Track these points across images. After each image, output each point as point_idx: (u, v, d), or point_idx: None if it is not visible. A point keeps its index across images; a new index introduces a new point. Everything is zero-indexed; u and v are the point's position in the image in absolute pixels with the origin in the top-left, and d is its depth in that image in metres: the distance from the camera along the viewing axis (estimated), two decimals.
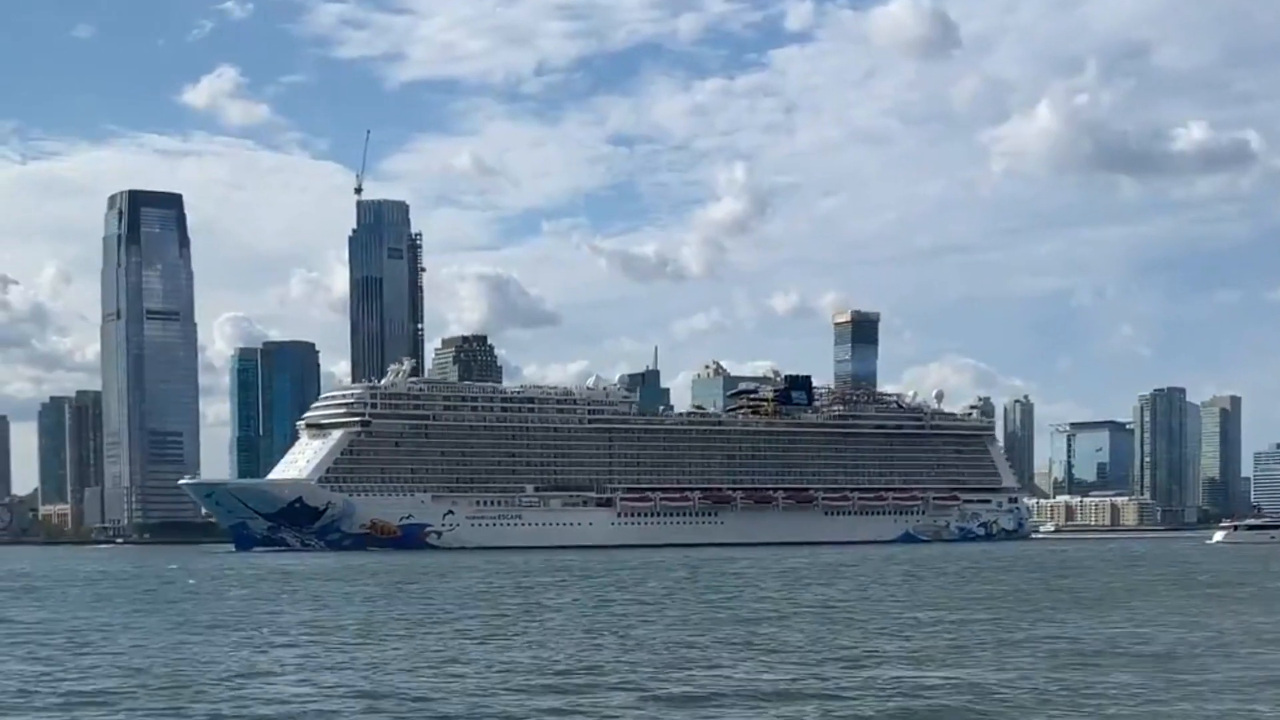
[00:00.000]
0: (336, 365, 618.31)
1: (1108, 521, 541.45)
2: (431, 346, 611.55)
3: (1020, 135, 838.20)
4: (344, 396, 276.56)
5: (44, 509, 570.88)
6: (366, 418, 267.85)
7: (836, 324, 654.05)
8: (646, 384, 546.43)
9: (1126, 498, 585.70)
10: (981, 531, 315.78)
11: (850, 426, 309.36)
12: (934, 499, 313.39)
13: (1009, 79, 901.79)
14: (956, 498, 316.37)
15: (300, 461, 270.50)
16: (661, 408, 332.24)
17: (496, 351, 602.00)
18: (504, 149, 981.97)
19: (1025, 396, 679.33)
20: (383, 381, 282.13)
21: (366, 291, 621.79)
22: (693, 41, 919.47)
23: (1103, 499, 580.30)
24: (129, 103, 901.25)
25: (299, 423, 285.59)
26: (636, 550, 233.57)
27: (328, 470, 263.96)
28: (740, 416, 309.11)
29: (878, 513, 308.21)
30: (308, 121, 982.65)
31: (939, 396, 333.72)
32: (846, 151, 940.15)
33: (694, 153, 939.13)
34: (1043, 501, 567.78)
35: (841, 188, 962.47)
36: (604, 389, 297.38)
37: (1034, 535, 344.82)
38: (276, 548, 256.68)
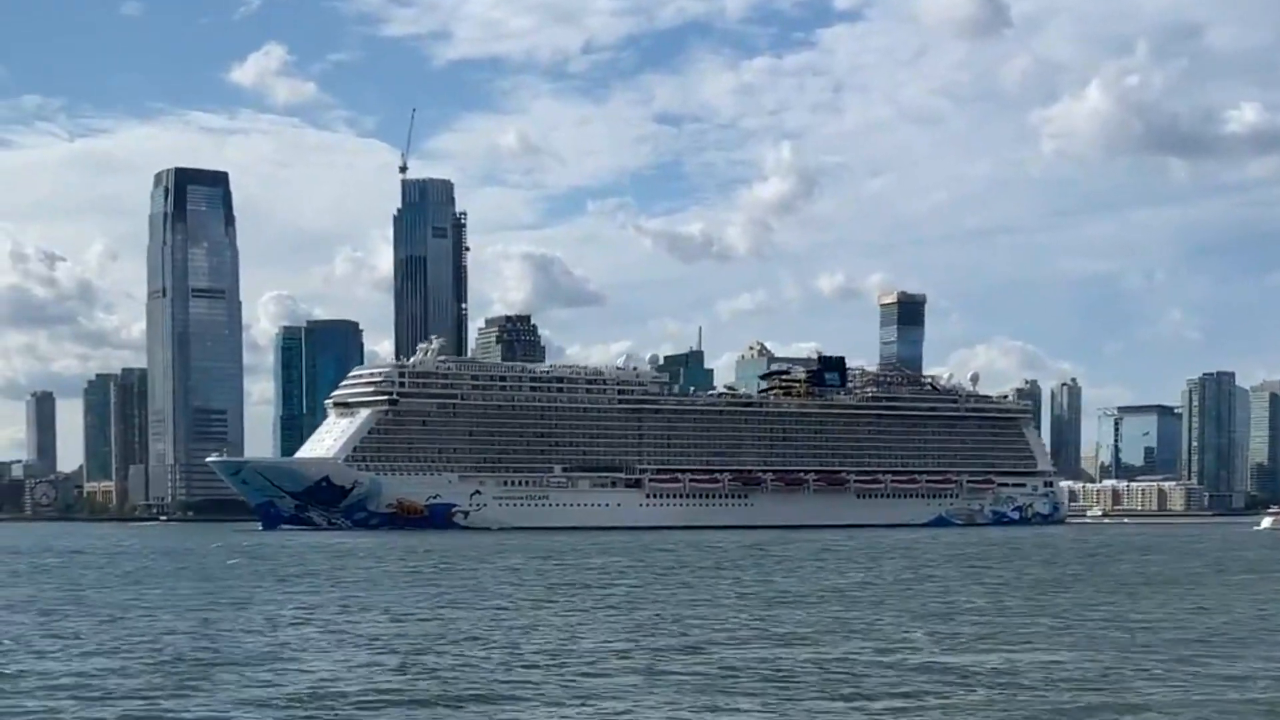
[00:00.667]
0: (380, 344, 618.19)
1: (1154, 507, 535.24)
2: (475, 326, 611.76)
3: (1070, 116, 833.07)
4: (372, 375, 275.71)
5: (89, 486, 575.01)
6: (394, 396, 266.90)
7: (883, 305, 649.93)
8: (690, 365, 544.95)
9: (1174, 483, 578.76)
10: (1016, 516, 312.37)
11: (884, 408, 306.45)
12: (968, 482, 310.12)
13: (1059, 59, 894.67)
14: (991, 481, 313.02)
15: (328, 440, 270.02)
16: (693, 389, 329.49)
17: (540, 332, 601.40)
18: (550, 127, 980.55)
19: (1073, 380, 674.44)
20: (411, 360, 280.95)
21: (410, 270, 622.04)
22: (741, 20, 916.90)
23: (1150, 484, 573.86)
24: (176, 81, 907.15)
25: (327, 401, 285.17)
26: (669, 532, 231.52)
27: (354, 449, 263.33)
28: (772, 397, 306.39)
29: (910, 496, 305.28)
30: (354, 99, 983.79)
31: (974, 379, 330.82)
32: (895, 131, 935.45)
33: (741, 132, 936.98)
34: (1089, 486, 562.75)
35: (890, 168, 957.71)
36: (634, 369, 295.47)
37: (1069, 520, 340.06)
38: (303, 527, 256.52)
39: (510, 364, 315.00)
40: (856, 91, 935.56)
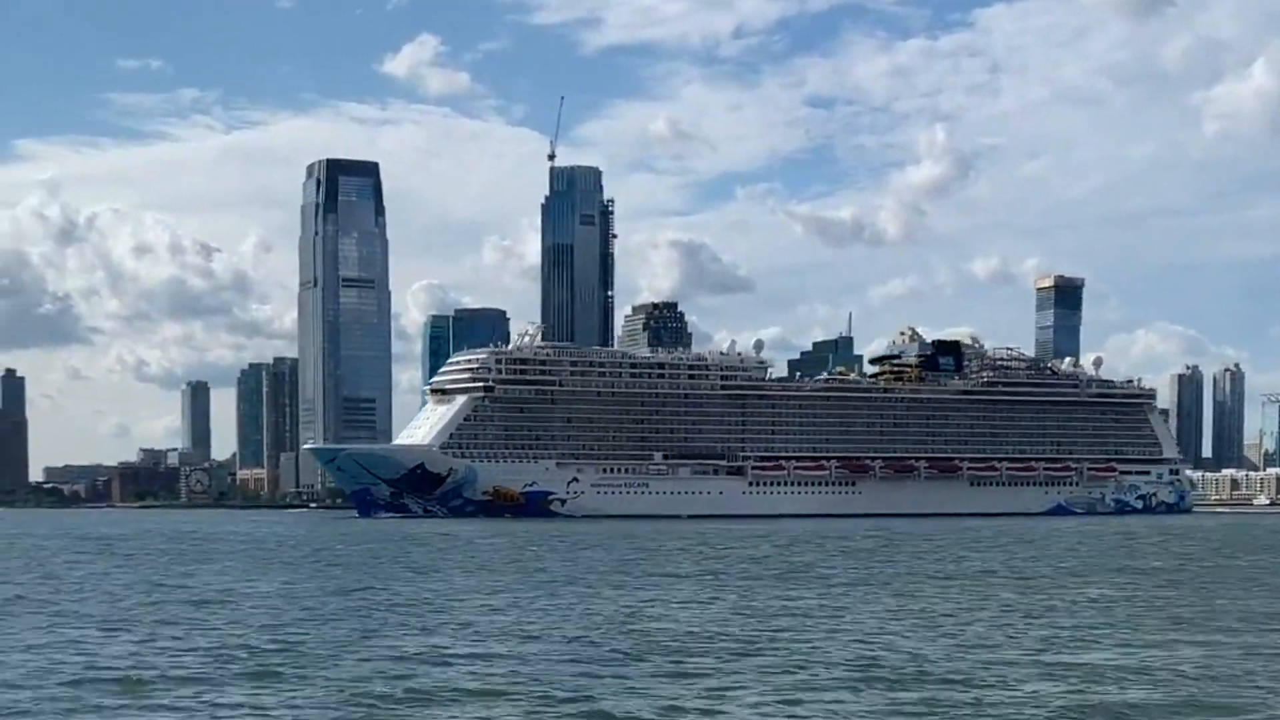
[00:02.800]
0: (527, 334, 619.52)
1: None
2: (621, 313, 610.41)
3: (1234, 96, 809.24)
4: (469, 362, 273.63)
5: (241, 473, 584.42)
6: (490, 383, 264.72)
7: (1039, 289, 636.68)
8: (839, 351, 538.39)
9: None
10: (1139, 505, 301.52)
11: (1000, 394, 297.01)
12: (1088, 470, 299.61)
13: (1223, 38, 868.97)
14: (1113, 469, 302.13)
15: (424, 427, 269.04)
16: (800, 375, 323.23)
17: (687, 318, 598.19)
18: (700, 113, 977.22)
19: (1236, 365, 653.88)
20: (509, 346, 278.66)
21: (558, 258, 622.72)
22: (895, 1, 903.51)
23: None
24: (329, 72, 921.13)
25: (425, 388, 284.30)
26: (780, 521, 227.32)
27: (450, 436, 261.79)
28: (882, 383, 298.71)
29: (1027, 484, 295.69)
30: (505, 88, 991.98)
31: (1097, 363, 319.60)
32: (1053, 113, 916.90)
33: (894, 114, 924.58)
34: (1252, 474, 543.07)
35: (1047, 150, 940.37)
36: (739, 354, 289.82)
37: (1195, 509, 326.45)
38: (399, 514, 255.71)
39: (610, 350, 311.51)
40: (1014, 72, 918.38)
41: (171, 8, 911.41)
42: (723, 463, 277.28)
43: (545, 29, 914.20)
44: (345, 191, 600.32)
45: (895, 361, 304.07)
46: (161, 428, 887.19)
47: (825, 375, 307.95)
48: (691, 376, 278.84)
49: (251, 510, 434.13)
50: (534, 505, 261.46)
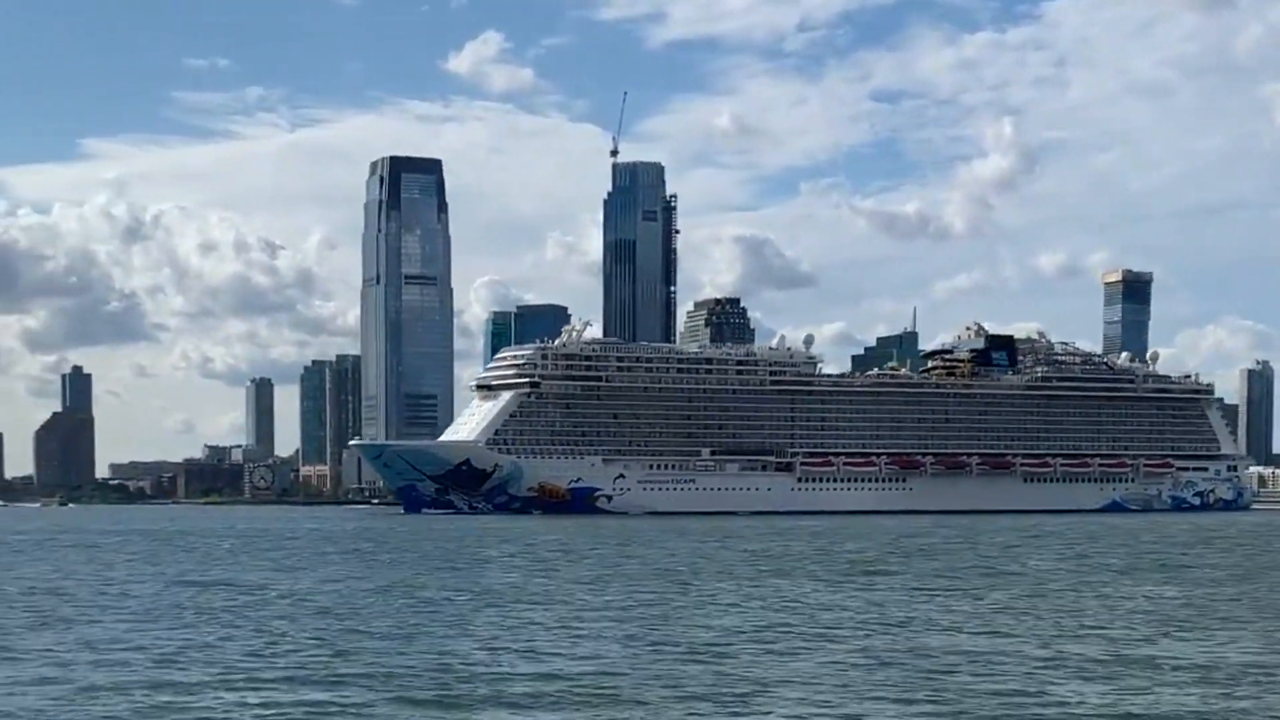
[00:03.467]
0: (588, 330, 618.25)
1: None
2: (684, 309, 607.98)
3: None
4: (515, 357, 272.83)
5: (304, 470, 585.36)
6: (536, 379, 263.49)
7: (1106, 284, 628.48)
8: (904, 346, 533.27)
9: None
10: (1197, 501, 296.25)
11: (1054, 389, 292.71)
12: (1144, 466, 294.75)
13: None
14: (1169, 465, 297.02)
15: (470, 423, 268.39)
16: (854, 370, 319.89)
17: (750, 314, 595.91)
18: (764, 107, 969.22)
19: None
20: (555, 342, 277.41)
21: (620, 254, 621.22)
22: None
23: None
24: (394, 70, 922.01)
25: (470, 384, 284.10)
26: (828, 518, 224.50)
27: (495, 432, 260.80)
28: (934, 378, 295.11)
29: (1082, 480, 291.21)
30: (568, 84, 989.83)
31: (1153, 358, 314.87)
32: (1122, 105, 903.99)
33: (960, 108, 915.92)
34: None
35: (1116, 143, 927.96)
36: (788, 349, 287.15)
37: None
38: (445, 510, 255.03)
39: (657, 345, 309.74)
40: (1082, 65, 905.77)
41: (238, 6, 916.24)
42: (771, 459, 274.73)
43: (609, 24, 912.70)
44: (408, 189, 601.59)
45: (948, 356, 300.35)
46: (226, 424, 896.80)
47: (876, 371, 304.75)
48: (740, 372, 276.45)
49: (315, 506, 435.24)
50: (580, 502, 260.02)
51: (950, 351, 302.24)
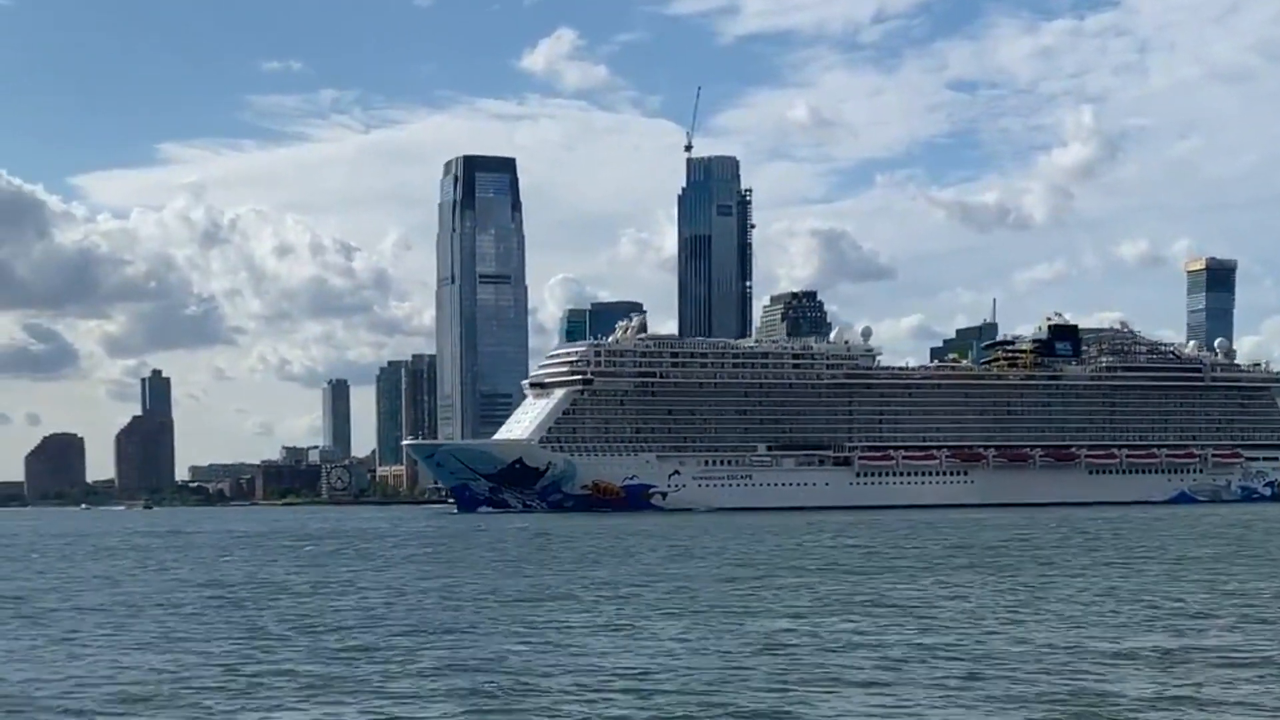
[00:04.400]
0: (664, 325, 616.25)
1: None
2: (759, 304, 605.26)
3: None
4: (568, 355, 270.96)
5: (380, 470, 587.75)
6: (589, 376, 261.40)
7: (1189, 272, 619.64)
8: (983, 337, 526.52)
9: None
10: (1268, 492, 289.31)
11: (1120, 379, 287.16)
12: (1213, 456, 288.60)
13: None
14: (1239, 455, 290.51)
15: (524, 421, 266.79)
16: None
17: (826, 307, 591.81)
18: (840, 99, 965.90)
19: None
20: (609, 339, 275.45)
21: (695, 250, 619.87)
22: None
23: None
24: (467, 69, 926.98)
25: (524, 382, 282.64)
26: (888, 512, 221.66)
27: (549, 430, 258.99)
28: (995, 369, 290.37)
29: (1149, 471, 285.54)
30: (642, 80, 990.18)
31: (1222, 347, 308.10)
32: (1204, 91, 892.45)
33: (1039, 96, 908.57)
34: None
35: (1198, 129, 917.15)
36: (845, 343, 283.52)
37: None
38: (499, 509, 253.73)
39: (713, 340, 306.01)
40: (1163, 51, 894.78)
41: (312, 9, 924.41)
42: (829, 453, 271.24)
43: (682, 19, 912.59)
44: (482, 188, 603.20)
45: (1010, 348, 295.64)
46: (303, 426, 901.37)
47: (936, 363, 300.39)
48: (796, 366, 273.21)
49: (392, 506, 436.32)
50: (634, 499, 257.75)
51: (1012, 342, 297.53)
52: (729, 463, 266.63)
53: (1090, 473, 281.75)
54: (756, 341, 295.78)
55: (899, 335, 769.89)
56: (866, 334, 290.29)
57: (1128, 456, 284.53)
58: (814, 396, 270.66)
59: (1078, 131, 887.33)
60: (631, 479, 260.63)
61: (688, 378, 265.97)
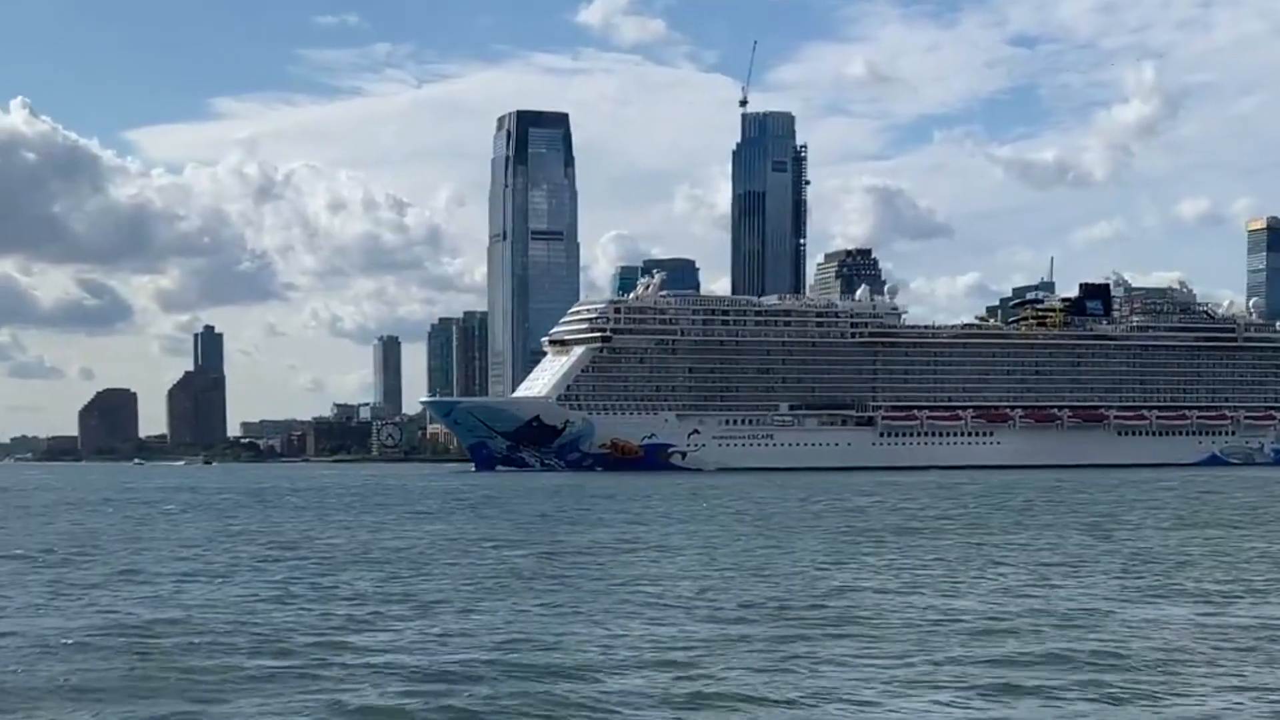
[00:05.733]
0: (717, 282, 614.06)
1: None
2: (813, 261, 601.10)
3: None
4: (588, 311, 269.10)
5: (431, 427, 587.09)
6: (608, 333, 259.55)
7: (1250, 231, 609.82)
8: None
9: None
10: None
11: (1150, 339, 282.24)
12: (1245, 419, 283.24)
13: None
14: (1272, 417, 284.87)
15: (542, 379, 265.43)
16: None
17: (881, 265, 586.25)
18: (897, 54, 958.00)
19: None
20: (630, 295, 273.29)
21: (749, 206, 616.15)
22: None
23: None
24: (522, 23, 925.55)
25: (544, 339, 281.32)
26: (911, 473, 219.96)
27: (567, 388, 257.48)
28: (1023, 328, 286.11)
29: (1179, 433, 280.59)
30: (698, 34, 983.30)
31: (1256, 307, 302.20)
32: (1268, 47, 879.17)
33: (1100, 52, 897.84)
34: None
35: (1261, 86, 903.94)
36: (871, 301, 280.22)
37: None
38: (517, 468, 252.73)
39: (735, 298, 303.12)
40: (1227, 5, 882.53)
41: None
42: (851, 413, 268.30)
43: None
44: (535, 143, 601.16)
45: (1039, 306, 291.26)
46: (354, 382, 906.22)
47: (962, 322, 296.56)
48: (820, 324, 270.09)
49: (441, 463, 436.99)
50: (652, 458, 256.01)
51: (1040, 300, 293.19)
52: (750, 422, 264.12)
53: (1119, 434, 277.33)
54: (779, 299, 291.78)
55: (955, 293, 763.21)
56: (892, 292, 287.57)
57: (1158, 418, 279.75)
58: (838, 356, 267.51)
59: (1138, 88, 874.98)
60: (650, 438, 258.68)
61: (709, 335, 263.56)
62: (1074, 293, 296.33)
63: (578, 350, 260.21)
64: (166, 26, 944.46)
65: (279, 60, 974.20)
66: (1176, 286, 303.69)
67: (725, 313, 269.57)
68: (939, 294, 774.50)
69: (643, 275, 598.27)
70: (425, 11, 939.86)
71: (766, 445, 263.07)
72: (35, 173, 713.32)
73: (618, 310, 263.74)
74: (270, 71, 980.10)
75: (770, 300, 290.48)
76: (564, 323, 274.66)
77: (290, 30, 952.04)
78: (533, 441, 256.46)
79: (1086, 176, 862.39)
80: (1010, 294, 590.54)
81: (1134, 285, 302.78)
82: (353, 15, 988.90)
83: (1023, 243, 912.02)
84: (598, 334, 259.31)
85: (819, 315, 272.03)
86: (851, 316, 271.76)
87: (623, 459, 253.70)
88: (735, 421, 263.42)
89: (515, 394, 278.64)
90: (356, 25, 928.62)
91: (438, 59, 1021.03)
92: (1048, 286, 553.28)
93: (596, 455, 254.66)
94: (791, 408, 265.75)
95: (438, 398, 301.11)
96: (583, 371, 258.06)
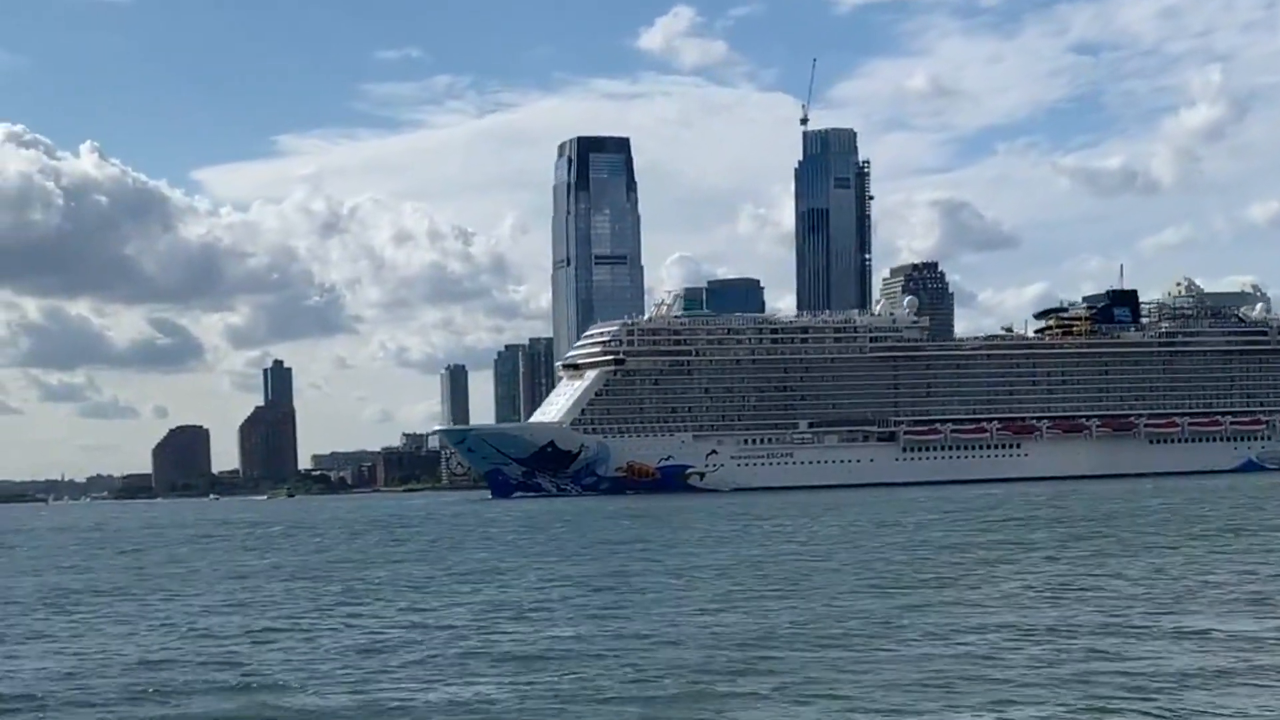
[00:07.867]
0: (782, 301, 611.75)
1: None
2: (879, 276, 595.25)
3: None
4: (600, 335, 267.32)
5: None
6: (621, 356, 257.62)
7: None
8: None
9: None
10: None
11: (1181, 345, 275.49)
12: None
13: None
14: None
15: (557, 404, 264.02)
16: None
17: (948, 278, 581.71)
18: (959, 66, 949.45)
19: None
20: (643, 317, 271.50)
21: (813, 224, 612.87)
22: None
23: None
24: (582, 50, 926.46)
25: (558, 364, 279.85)
26: (938, 489, 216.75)
27: (581, 412, 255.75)
28: (1048, 338, 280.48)
29: (1213, 439, 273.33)
30: (757, 54, 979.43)
31: None
32: None
33: (1164, 57, 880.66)
34: None
35: None
36: (890, 314, 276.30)
37: None
38: (533, 494, 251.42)
39: (751, 315, 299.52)
40: None
41: None
42: (873, 429, 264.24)
43: None
44: (596, 169, 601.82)
45: (1064, 315, 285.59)
46: (423, 412, 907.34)
47: (986, 334, 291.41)
48: (838, 339, 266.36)
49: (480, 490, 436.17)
50: (670, 480, 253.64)
51: (1065, 310, 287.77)
52: (769, 441, 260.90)
53: (1151, 442, 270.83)
54: (797, 315, 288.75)
55: (1022, 304, 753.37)
56: (911, 305, 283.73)
57: (1190, 425, 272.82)
58: (858, 371, 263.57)
59: (1205, 91, 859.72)
60: (667, 460, 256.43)
61: (725, 354, 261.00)
62: (1146, 299, 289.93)
63: (591, 374, 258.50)
64: (230, 66, 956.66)
65: (341, 95, 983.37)
66: (1250, 290, 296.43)
67: (741, 331, 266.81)
68: (1007, 305, 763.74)
69: (708, 296, 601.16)
70: (485, 42, 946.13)
71: (787, 464, 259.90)
72: (107, 215, 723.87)
73: (630, 332, 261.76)
74: (333, 107, 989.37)
75: (787, 316, 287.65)
76: (577, 347, 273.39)
77: (352, 65, 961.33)
78: (548, 467, 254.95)
79: (1154, 183, 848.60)
80: (1079, 302, 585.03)
81: (1206, 290, 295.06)
82: (414, 49, 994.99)
83: (1091, 251, 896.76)
84: (610, 356, 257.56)
85: (837, 330, 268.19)
86: (871, 331, 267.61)
87: (639, 482, 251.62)
88: (754, 441, 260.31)
89: (531, 419, 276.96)
90: (418, 58, 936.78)
91: (498, 89, 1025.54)
92: (1128, 295, 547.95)
93: (612, 479, 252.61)
94: (811, 425, 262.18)
95: (450, 426, 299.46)
96: (596, 395, 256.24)
